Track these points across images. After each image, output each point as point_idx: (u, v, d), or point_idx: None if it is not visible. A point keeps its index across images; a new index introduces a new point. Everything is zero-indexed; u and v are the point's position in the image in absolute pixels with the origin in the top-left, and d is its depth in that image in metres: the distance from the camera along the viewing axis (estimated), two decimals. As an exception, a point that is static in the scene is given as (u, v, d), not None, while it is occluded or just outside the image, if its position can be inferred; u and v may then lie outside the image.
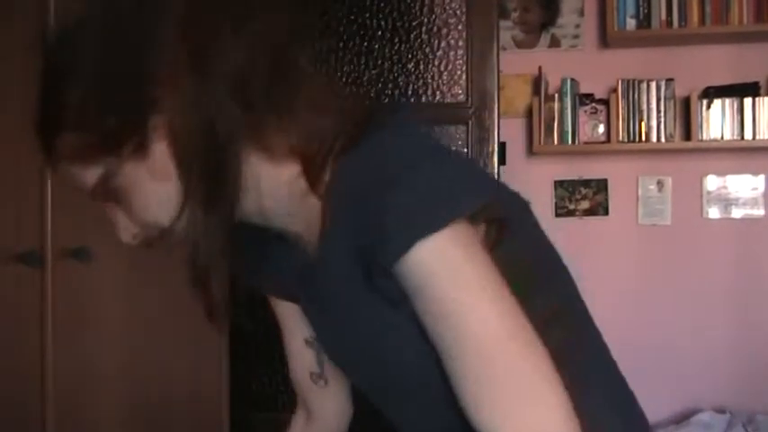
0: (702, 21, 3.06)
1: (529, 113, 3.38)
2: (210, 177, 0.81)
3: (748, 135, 3.04)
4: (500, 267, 0.78)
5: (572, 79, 3.27)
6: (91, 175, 0.83)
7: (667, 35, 3.13)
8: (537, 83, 3.34)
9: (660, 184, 3.29)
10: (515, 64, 3.35)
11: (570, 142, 3.25)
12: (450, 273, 0.75)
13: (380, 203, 0.75)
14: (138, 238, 0.89)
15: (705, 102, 3.08)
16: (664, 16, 3.10)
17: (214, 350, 2.53)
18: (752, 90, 3.09)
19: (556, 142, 3.27)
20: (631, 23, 3.14)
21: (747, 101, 3.05)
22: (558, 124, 3.26)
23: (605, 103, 3.24)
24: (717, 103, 3.08)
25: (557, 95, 3.28)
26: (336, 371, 1.07)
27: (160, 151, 0.80)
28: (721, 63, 3.19)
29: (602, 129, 3.24)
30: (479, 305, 0.75)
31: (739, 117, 3.06)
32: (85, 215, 2.48)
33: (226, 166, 0.81)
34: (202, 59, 0.79)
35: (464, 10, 2.99)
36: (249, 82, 0.80)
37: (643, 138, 3.15)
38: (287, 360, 1.14)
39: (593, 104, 3.26)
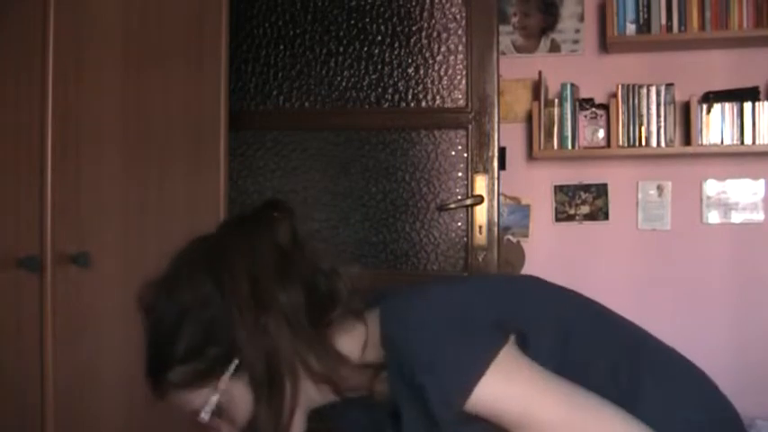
0: (702, 26, 3.06)
1: (529, 118, 3.38)
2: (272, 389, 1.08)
3: (748, 140, 3.05)
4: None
5: (572, 84, 3.27)
6: (201, 397, 1.08)
7: (667, 40, 3.13)
8: (537, 88, 3.34)
9: (660, 188, 3.29)
10: (515, 69, 3.35)
11: (570, 147, 3.25)
12: (508, 397, 1.02)
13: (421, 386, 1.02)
14: None
15: (705, 106, 3.08)
16: (663, 21, 3.10)
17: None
18: (751, 95, 3.09)
19: (556, 147, 3.28)
20: (631, 28, 3.14)
21: (747, 106, 3.05)
22: (558, 129, 3.27)
23: (605, 107, 3.25)
24: (716, 107, 3.08)
25: (556, 100, 3.28)
26: None
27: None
28: (721, 68, 3.20)
29: (601, 134, 3.24)
30: (542, 405, 1.01)
31: (739, 122, 3.06)
32: (85, 221, 2.48)
33: (283, 383, 1.07)
34: (264, 307, 1.07)
35: (464, 15, 2.99)
36: (296, 319, 1.07)
37: (643, 142, 3.15)
38: None
39: (593, 109, 3.26)
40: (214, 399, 1.08)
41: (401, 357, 1.04)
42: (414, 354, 1.04)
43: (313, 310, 1.09)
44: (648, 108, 3.15)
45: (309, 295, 1.09)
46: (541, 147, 3.27)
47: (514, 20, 3.47)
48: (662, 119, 3.14)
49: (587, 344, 1.11)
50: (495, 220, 2.90)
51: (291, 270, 1.10)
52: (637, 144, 3.16)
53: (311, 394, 1.11)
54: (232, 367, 1.07)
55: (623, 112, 3.17)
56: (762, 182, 3.18)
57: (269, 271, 1.08)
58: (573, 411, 1.01)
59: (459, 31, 3.00)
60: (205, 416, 1.08)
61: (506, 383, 1.02)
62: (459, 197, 2.97)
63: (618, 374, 1.08)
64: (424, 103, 3.04)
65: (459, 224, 2.99)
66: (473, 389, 1.00)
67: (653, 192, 3.31)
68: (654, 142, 3.15)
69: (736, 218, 3.20)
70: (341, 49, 3.16)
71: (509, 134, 3.29)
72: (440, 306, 1.08)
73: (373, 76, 3.09)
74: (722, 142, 3.07)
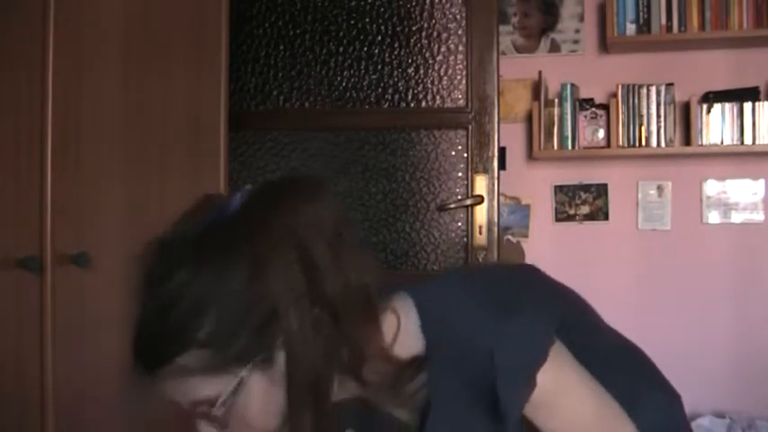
0: (702, 26, 3.06)
1: (529, 118, 3.38)
2: (314, 385, 0.95)
3: (748, 140, 3.04)
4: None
5: (572, 84, 3.27)
6: (211, 386, 0.92)
7: (667, 40, 3.13)
8: (537, 88, 3.34)
9: (660, 188, 3.29)
10: (515, 69, 3.35)
11: (570, 147, 3.25)
12: (557, 387, 0.98)
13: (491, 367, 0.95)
14: None
15: (705, 106, 3.08)
16: (663, 21, 3.10)
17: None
18: (751, 95, 3.09)
19: (556, 147, 3.28)
20: (631, 29, 3.14)
21: (747, 105, 3.05)
22: (558, 129, 3.27)
23: (605, 107, 3.25)
24: (716, 107, 3.08)
25: (556, 100, 3.28)
26: None
27: (281, 361, 0.93)
28: (721, 68, 3.20)
29: (601, 134, 3.24)
30: (580, 397, 1.01)
31: (739, 122, 3.06)
32: (85, 221, 2.48)
33: (326, 377, 0.96)
34: (318, 297, 0.93)
35: (464, 15, 2.99)
36: (343, 309, 0.95)
37: (643, 143, 3.15)
38: None
39: (593, 109, 3.26)
40: (230, 388, 0.92)
41: (460, 344, 0.96)
42: (477, 340, 0.96)
43: (357, 302, 0.96)
44: (648, 108, 3.15)
45: (352, 286, 0.96)
46: (541, 147, 3.27)
47: (514, 20, 3.47)
48: (662, 119, 3.14)
49: (586, 336, 1.08)
50: (495, 220, 2.90)
51: (340, 257, 0.96)
52: (637, 144, 3.16)
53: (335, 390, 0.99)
54: (260, 358, 0.93)
55: (623, 112, 3.17)
56: (762, 182, 3.18)
57: (325, 256, 0.94)
58: (602, 406, 1.02)
59: (459, 31, 3.00)
60: (218, 409, 0.94)
61: (559, 371, 0.99)
62: (459, 197, 2.96)
63: (616, 375, 1.07)
64: (423, 104, 3.04)
65: (459, 224, 2.99)
66: (536, 375, 0.96)
67: (653, 192, 3.30)
68: (654, 142, 3.15)
69: (737, 218, 3.20)
70: (341, 50, 3.16)
71: (509, 134, 3.29)
72: (483, 291, 1.01)
73: (373, 77, 3.09)
74: (722, 142, 3.07)
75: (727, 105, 3.07)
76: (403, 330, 0.99)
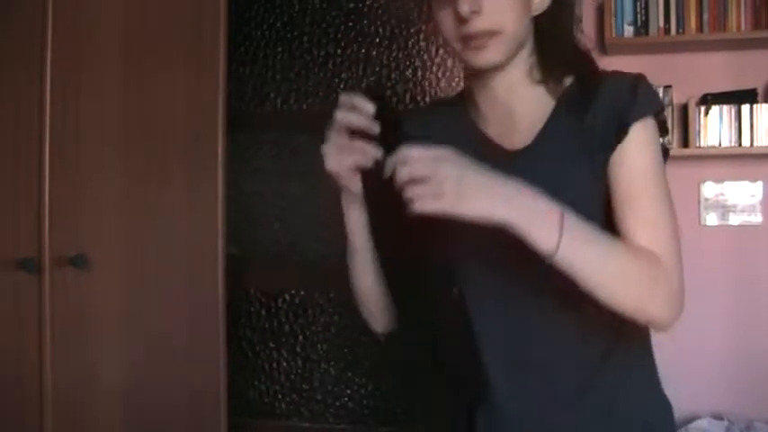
0: (700, 28, 3.06)
1: (527, 120, 3.37)
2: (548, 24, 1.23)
3: (746, 142, 3.05)
4: None
5: (570, 86, 3.27)
6: None
7: (665, 42, 3.13)
8: (535, 89, 3.34)
9: (658, 190, 3.29)
10: (513, 71, 3.35)
11: (568, 149, 3.25)
12: (655, 142, 1.19)
13: (622, 95, 1.15)
14: (484, 28, 1.14)
15: (703, 108, 3.09)
16: (662, 23, 3.10)
17: (212, 358, 2.53)
18: (750, 97, 3.09)
19: (554, 149, 3.27)
20: (629, 30, 3.14)
21: (745, 107, 3.05)
22: (556, 131, 3.26)
23: (603, 109, 3.24)
24: (714, 109, 3.08)
25: (555, 102, 3.28)
26: None
27: None
28: (719, 70, 3.20)
29: (600, 135, 3.23)
30: (660, 167, 1.21)
31: (737, 124, 3.06)
32: (83, 223, 2.48)
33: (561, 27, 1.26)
34: None
35: (462, 17, 2.99)
36: None
37: (641, 144, 3.15)
38: None
39: (591, 111, 3.25)
40: None
41: (600, 82, 1.20)
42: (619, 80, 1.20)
43: None
44: (646, 110, 3.15)
45: None
46: (540, 148, 3.27)
47: (513, 22, 3.47)
48: (660, 121, 3.14)
49: None
50: (494, 221, 2.89)
51: None
52: (635, 146, 3.16)
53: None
54: None
55: (621, 114, 3.17)
56: (760, 184, 3.19)
57: None
58: (664, 192, 1.22)
59: (458, 33, 3.01)
60: None
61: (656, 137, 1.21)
62: (458, 199, 2.97)
63: None
64: (422, 105, 3.04)
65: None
66: (652, 119, 1.18)
67: (651, 193, 3.30)
68: (652, 144, 3.14)
69: (735, 220, 3.20)
70: (339, 51, 3.16)
71: (507, 136, 3.29)
72: None
73: (371, 78, 3.09)
74: (720, 144, 3.07)
75: (726, 107, 3.07)
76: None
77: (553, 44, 1.22)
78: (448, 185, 0.98)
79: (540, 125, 1.19)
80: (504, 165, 1.07)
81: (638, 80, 1.17)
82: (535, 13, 1.20)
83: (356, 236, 1.21)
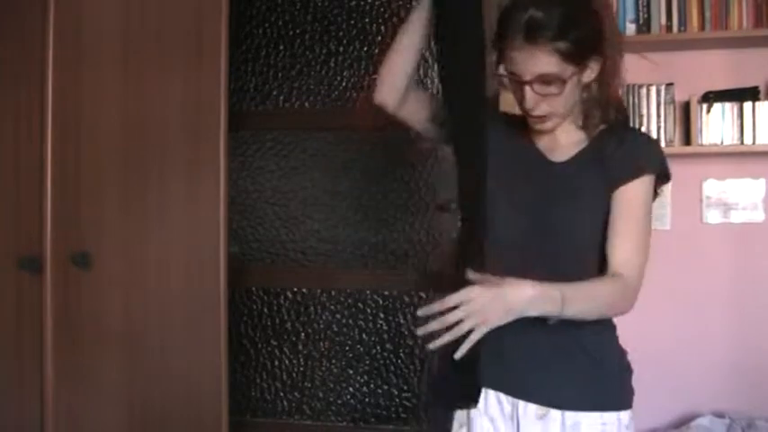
0: (702, 26, 3.06)
1: (528, 118, 3.37)
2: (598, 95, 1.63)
3: (748, 140, 3.04)
4: None
5: (572, 84, 3.26)
6: (564, 69, 1.49)
7: (667, 40, 3.13)
8: (537, 87, 3.33)
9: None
10: (515, 69, 3.34)
11: (570, 147, 3.25)
12: (648, 195, 1.62)
13: (639, 150, 1.64)
14: (543, 113, 1.56)
15: (705, 106, 3.08)
16: (663, 21, 3.10)
17: (214, 356, 2.53)
18: (751, 94, 3.08)
19: (555, 147, 3.27)
20: (631, 28, 3.14)
21: (747, 105, 3.04)
22: (558, 129, 3.26)
23: (605, 107, 3.24)
24: (716, 107, 3.07)
25: (556, 100, 3.27)
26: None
27: (590, 72, 1.58)
28: (721, 68, 3.19)
29: (601, 133, 3.23)
30: (647, 206, 1.61)
31: (739, 121, 3.05)
32: (85, 222, 2.48)
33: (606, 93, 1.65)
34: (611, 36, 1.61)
35: (464, 15, 2.99)
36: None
37: (643, 142, 3.14)
38: None
39: (593, 109, 3.25)
40: (567, 73, 1.50)
41: (626, 132, 1.66)
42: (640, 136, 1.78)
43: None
44: (648, 108, 3.15)
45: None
46: (541, 147, 3.27)
47: (514, 20, 3.47)
48: (662, 119, 3.13)
49: None
50: (495, 220, 2.89)
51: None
52: (637, 144, 3.15)
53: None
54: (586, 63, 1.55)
55: (623, 112, 3.17)
56: (762, 181, 3.18)
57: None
58: (647, 223, 1.62)
59: (459, 31, 3.00)
60: (552, 83, 1.50)
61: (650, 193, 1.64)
62: (459, 197, 2.96)
63: None
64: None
65: (459, 224, 2.99)
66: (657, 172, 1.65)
67: (653, 191, 3.30)
68: (654, 142, 3.14)
69: (737, 218, 3.20)
70: (341, 49, 3.16)
71: (509, 134, 3.28)
72: None
73: (374, 76, 3.09)
74: (722, 142, 3.07)
75: (728, 105, 3.06)
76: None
77: (596, 108, 1.62)
78: (492, 317, 1.39)
79: (575, 151, 1.62)
80: (547, 169, 1.61)
81: (652, 141, 1.76)
82: (585, 82, 1.57)
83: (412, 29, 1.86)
